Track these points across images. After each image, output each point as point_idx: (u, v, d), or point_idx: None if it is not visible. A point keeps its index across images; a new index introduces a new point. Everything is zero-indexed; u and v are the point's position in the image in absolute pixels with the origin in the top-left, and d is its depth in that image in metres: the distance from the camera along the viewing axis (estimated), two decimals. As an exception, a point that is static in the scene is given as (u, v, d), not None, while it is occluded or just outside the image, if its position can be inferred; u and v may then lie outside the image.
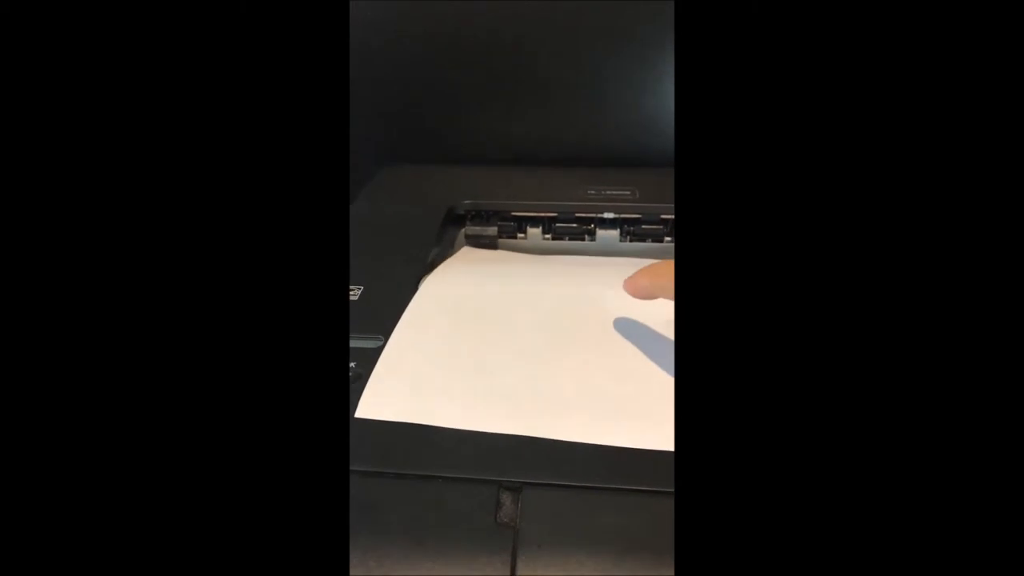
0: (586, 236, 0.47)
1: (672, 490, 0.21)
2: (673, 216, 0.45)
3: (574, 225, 0.47)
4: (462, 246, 0.47)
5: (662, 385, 0.29)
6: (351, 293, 0.36)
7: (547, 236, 0.48)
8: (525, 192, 0.48)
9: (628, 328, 0.33)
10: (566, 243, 0.47)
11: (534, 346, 0.32)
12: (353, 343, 0.31)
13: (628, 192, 0.47)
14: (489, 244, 0.48)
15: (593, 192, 0.47)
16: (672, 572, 0.20)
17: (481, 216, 0.48)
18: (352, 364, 0.30)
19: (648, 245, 0.46)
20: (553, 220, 0.47)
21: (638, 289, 0.29)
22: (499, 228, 0.48)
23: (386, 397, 0.28)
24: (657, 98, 0.56)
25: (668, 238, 0.46)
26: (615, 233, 0.47)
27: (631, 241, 0.47)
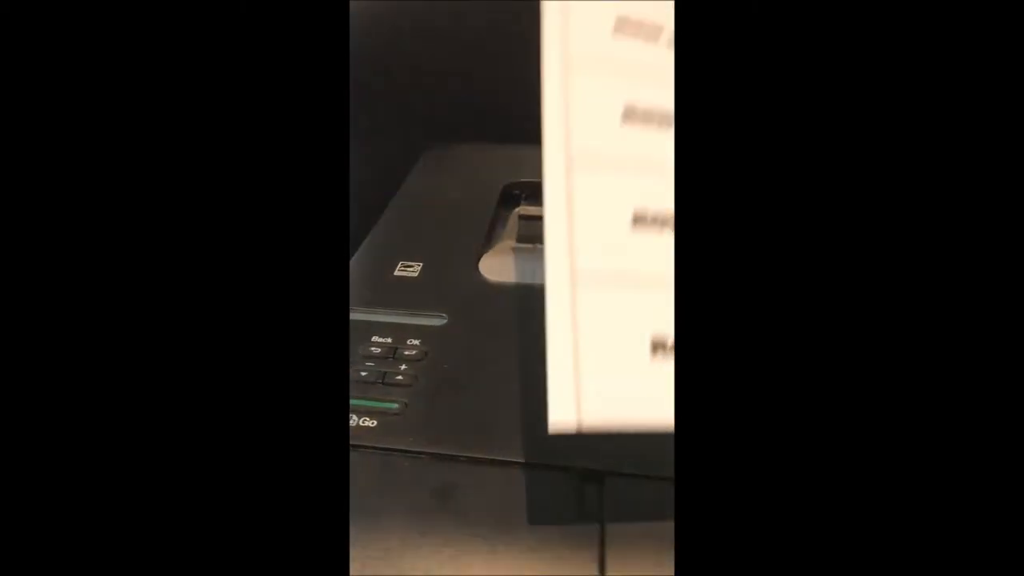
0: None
1: None
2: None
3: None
4: (516, 225, 0.46)
5: None
6: (411, 269, 0.35)
7: (601, 216, 0.46)
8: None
9: None
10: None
11: None
12: (417, 320, 0.31)
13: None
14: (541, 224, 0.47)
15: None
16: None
17: (535, 195, 0.47)
18: (416, 341, 0.29)
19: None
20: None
21: None
22: (553, 207, 0.47)
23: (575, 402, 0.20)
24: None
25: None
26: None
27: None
